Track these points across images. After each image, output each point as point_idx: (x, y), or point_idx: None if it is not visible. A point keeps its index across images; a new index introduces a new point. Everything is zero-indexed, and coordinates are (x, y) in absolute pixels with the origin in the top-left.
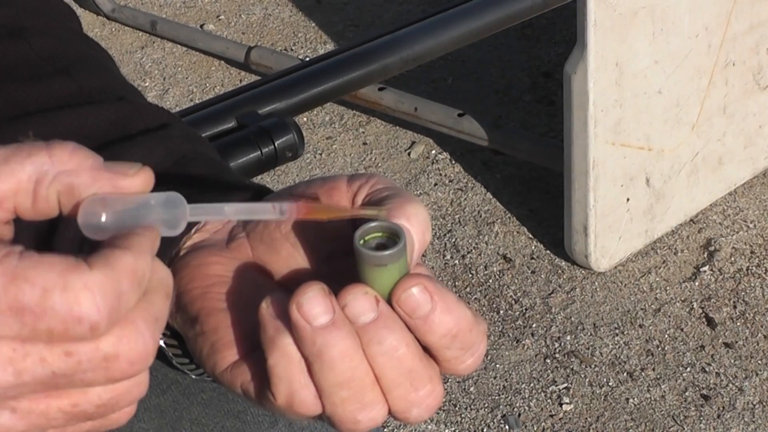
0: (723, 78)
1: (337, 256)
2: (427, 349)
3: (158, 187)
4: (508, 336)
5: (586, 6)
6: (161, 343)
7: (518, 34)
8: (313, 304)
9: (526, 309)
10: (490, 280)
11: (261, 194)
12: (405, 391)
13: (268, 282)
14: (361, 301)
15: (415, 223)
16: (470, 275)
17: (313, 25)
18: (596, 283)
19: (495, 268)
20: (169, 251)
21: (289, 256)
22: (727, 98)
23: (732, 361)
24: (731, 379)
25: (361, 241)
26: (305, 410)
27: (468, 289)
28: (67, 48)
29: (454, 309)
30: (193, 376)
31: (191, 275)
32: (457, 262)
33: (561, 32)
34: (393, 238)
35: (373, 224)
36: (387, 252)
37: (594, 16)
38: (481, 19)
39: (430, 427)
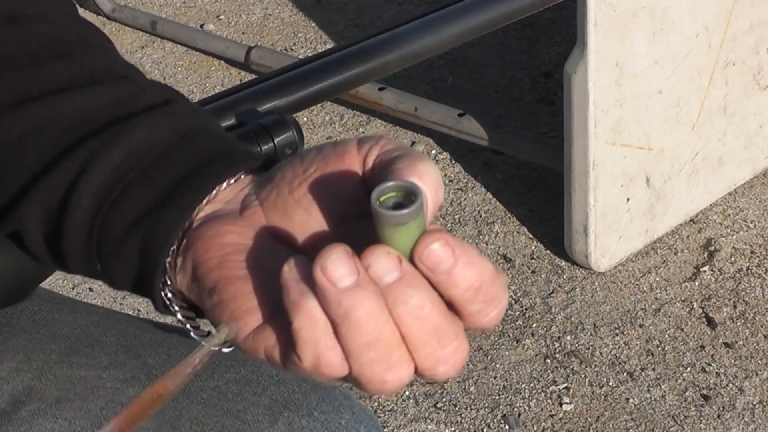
0: (723, 78)
1: (351, 218)
2: (450, 305)
3: (171, 163)
4: (508, 336)
5: (586, 6)
6: (178, 316)
7: (518, 34)
8: (338, 266)
9: (526, 309)
10: None
11: (270, 163)
12: (432, 349)
13: (284, 248)
14: (384, 261)
15: (428, 182)
16: None
17: (313, 24)
18: (596, 283)
19: None
20: (182, 224)
21: (303, 222)
22: (727, 98)
23: (732, 361)
24: (731, 379)
25: (378, 203)
26: (331, 372)
27: None
28: (66, 32)
29: (475, 262)
30: (212, 349)
31: (206, 246)
32: None
33: (561, 32)
34: (409, 196)
35: (388, 184)
36: (406, 210)
37: (594, 16)
38: (481, 15)
39: (430, 426)
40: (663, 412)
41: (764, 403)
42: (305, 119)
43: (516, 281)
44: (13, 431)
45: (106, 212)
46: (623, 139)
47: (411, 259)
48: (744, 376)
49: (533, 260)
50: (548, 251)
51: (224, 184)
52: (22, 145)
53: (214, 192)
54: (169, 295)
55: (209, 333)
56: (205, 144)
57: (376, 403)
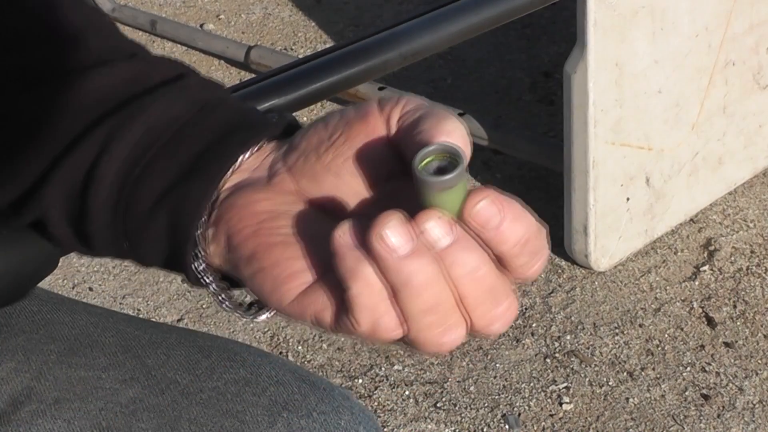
0: (723, 78)
1: (381, 179)
2: (498, 260)
3: (191, 136)
4: (508, 335)
5: (586, 6)
6: (211, 287)
7: (518, 33)
8: (395, 234)
9: (526, 308)
10: None
11: (292, 129)
12: (487, 309)
13: (317, 213)
14: (437, 226)
15: (456, 138)
16: None
17: (313, 24)
18: (596, 283)
19: None
20: (209, 196)
21: (333, 187)
22: (727, 98)
23: (732, 360)
24: (731, 378)
25: (420, 168)
26: (388, 335)
27: None
28: (71, 14)
29: (522, 216)
30: (245, 318)
31: (239, 215)
32: None
33: (561, 32)
34: (449, 158)
35: (428, 149)
36: (452, 174)
37: (594, 15)
38: (481, 13)
39: (429, 426)
40: (663, 411)
41: (764, 403)
42: (305, 118)
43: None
44: (12, 431)
45: (130, 190)
46: (623, 138)
47: (459, 219)
48: (744, 375)
49: None
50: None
51: (248, 153)
52: (36, 127)
53: (239, 161)
54: (201, 267)
55: (242, 303)
56: (224, 115)
57: (375, 403)
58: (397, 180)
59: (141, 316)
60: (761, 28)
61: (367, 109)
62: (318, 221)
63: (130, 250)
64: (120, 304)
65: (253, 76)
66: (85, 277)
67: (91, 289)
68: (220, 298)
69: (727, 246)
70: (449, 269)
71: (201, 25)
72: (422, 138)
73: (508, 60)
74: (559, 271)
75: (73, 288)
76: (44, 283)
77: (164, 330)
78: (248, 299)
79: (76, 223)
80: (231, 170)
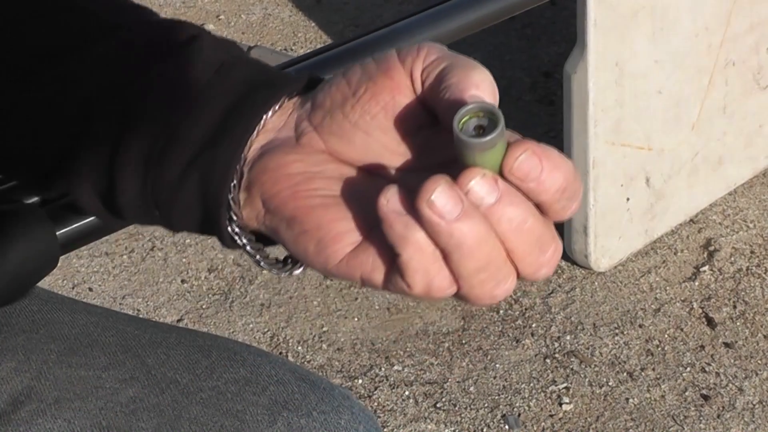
0: (723, 78)
1: (411, 132)
2: (537, 207)
3: (212, 99)
4: (508, 336)
5: (586, 6)
6: (247, 248)
7: (518, 33)
8: (445, 199)
9: (525, 309)
10: None
11: (313, 83)
12: (535, 257)
13: (351, 171)
14: (482, 184)
15: (485, 90)
16: None
17: (313, 24)
18: (596, 283)
19: None
20: (237, 158)
21: (364, 144)
22: (727, 98)
23: (732, 361)
24: (731, 378)
25: (459, 128)
26: (441, 294)
27: None
28: None
29: (561, 164)
30: (282, 275)
31: (274, 178)
32: None
33: (561, 32)
34: (488, 116)
35: (466, 108)
36: (494, 134)
37: (594, 15)
38: (480, 10)
39: (429, 426)
40: (663, 412)
41: (764, 403)
42: None
43: None
44: (12, 431)
45: (156, 159)
46: (623, 138)
47: (500, 174)
48: (744, 375)
49: None
50: None
51: (270, 113)
52: (52, 104)
53: (263, 121)
54: (237, 230)
55: (277, 260)
56: (241, 75)
57: (375, 404)
58: (426, 130)
59: (141, 316)
60: (761, 28)
61: (390, 64)
62: (355, 180)
63: (161, 218)
64: (120, 304)
65: None
66: (85, 278)
67: (90, 289)
68: (256, 258)
69: (727, 246)
70: (497, 225)
71: (201, 26)
72: (452, 94)
73: (508, 60)
74: (559, 271)
75: (73, 288)
76: (44, 284)
77: (164, 329)
78: (281, 256)
79: (104, 195)
80: (256, 131)
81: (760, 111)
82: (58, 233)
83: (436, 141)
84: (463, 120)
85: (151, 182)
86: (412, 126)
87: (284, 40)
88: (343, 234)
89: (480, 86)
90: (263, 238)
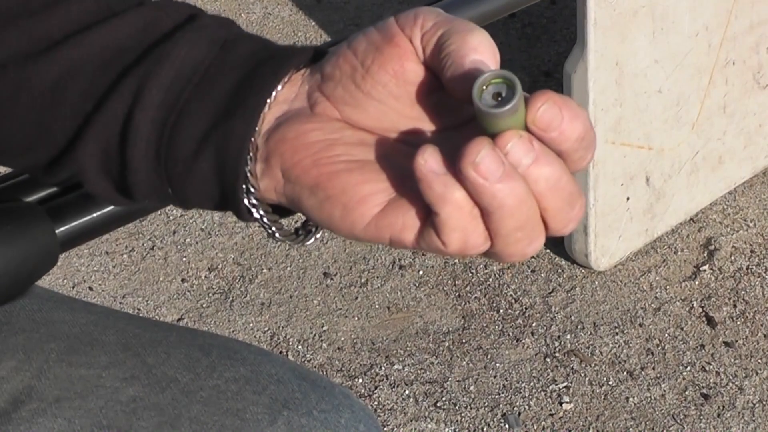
0: (723, 77)
1: (423, 96)
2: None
3: (220, 75)
4: (508, 335)
5: (586, 5)
6: (264, 220)
7: (518, 33)
8: (489, 161)
9: (526, 308)
10: (490, 279)
11: (319, 55)
12: (565, 213)
13: (371, 137)
14: (520, 146)
15: (484, 52)
16: (470, 274)
17: (313, 24)
18: (596, 282)
19: (495, 267)
20: (251, 130)
21: (380, 113)
22: (727, 97)
23: (732, 360)
24: (731, 378)
25: (479, 99)
26: (475, 251)
27: (468, 288)
28: None
29: (579, 113)
30: (296, 245)
31: (293, 147)
32: (457, 260)
33: (561, 31)
34: (503, 81)
35: (482, 78)
36: (514, 101)
37: (594, 15)
38: (480, 9)
39: (430, 425)
40: (663, 411)
41: (764, 402)
42: None
43: (516, 280)
44: (12, 431)
45: (169, 136)
46: (623, 138)
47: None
48: (744, 375)
49: (533, 259)
50: (548, 250)
51: (280, 85)
52: (58, 89)
53: (273, 94)
54: (254, 201)
55: (293, 231)
56: (247, 49)
57: (375, 403)
58: (437, 92)
59: (141, 315)
60: (761, 28)
61: (392, 31)
62: (375, 143)
63: (174, 195)
64: (120, 303)
65: None
66: (85, 277)
67: (91, 288)
68: (272, 230)
69: (727, 245)
70: (534, 185)
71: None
72: (453, 61)
73: (508, 60)
74: (559, 270)
75: (73, 287)
76: (44, 283)
77: (164, 328)
78: (293, 227)
79: (115, 175)
80: (268, 104)
81: (760, 110)
82: (57, 231)
83: (448, 102)
84: (482, 89)
85: (164, 159)
86: (422, 90)
87: (284, 39)
88: (368, 196)
89: (479, 49)
90: (277, 210)
